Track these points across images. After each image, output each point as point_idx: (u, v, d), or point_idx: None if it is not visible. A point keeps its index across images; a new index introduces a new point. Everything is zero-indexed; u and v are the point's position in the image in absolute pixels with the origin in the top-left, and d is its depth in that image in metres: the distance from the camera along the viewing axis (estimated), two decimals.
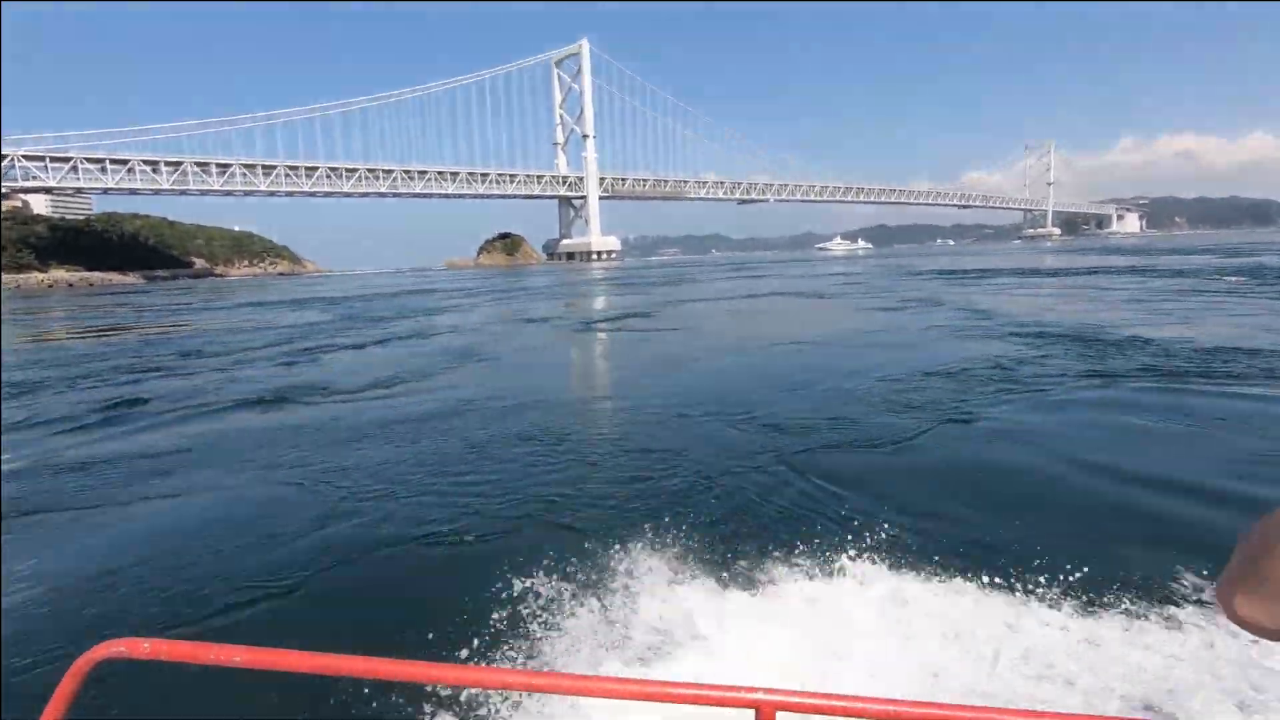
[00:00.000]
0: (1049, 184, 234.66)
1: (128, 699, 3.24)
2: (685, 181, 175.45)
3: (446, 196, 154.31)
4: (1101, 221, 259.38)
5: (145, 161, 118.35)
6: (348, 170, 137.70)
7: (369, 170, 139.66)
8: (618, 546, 4.69)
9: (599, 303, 30.30)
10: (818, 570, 4.33)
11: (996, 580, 3.96)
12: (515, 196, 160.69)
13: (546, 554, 4.54)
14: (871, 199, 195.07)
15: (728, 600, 4.08)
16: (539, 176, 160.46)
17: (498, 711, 2.84)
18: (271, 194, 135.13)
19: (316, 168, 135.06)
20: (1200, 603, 3.75)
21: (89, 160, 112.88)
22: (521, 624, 3.81)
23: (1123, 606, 3.72)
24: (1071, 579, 3.89)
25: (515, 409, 9.77)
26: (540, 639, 3.68)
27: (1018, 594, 3.87)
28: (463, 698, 2.80)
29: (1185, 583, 3.98)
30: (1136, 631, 3.53)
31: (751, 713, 1.11)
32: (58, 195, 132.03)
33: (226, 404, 10.89)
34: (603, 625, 3.81)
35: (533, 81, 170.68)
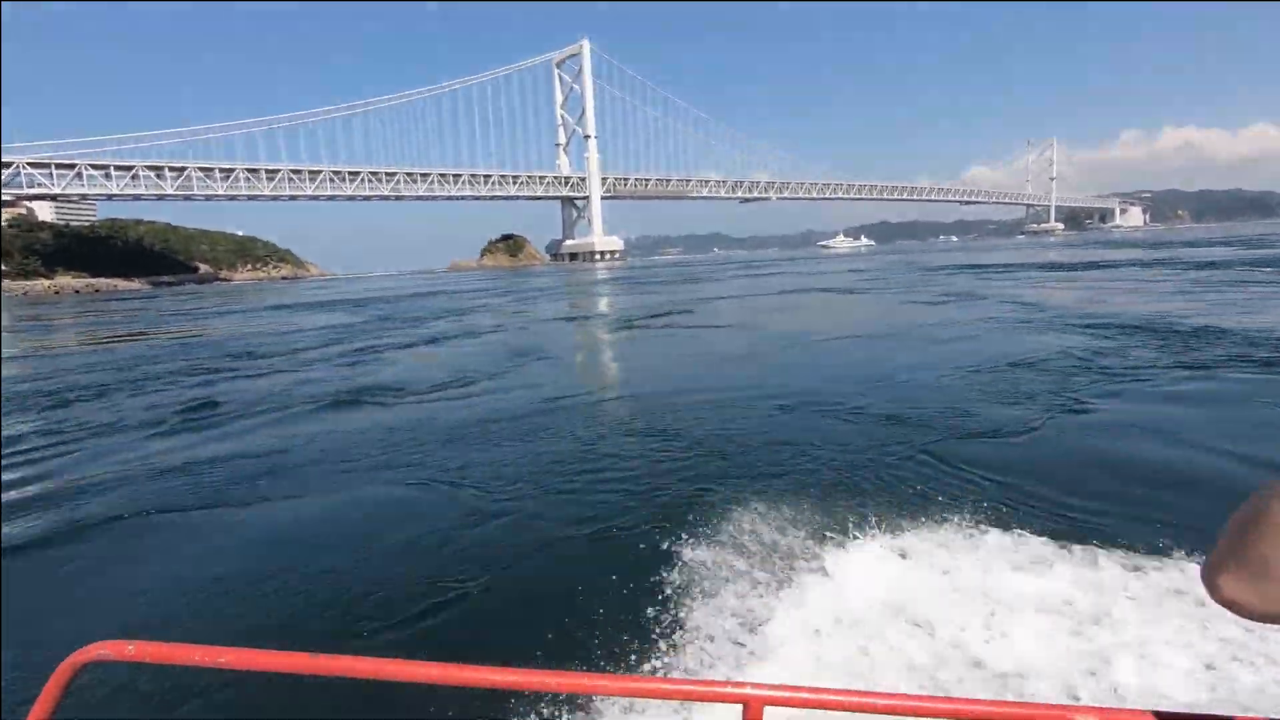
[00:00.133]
0: (1051, 179, 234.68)
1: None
2: (688, 180, 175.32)
3: (449, 199, 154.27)
4: (1104, 216, 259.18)
5: (149, 167, 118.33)
6: (350, 173, 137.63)
7: (371, 173, 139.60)
8: (787, 540, 4.67)
9: (627, 301, 30.18)
10: (1009, 564, 4.27)
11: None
12: (518, 198, 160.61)
13: (706, 552, 4.54)
14: (874, 196, 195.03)
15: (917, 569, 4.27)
16: (541, 178, 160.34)
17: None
18: (275, 198, 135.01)
19: (320, 171, 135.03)
20: None
21: (93, 166, 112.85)
22: (701, 617, 3.77)
23: None
24: None
25: (608, 404, 9.70)
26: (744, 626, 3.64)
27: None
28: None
29: None
30: None
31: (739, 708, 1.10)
32: (62, 202, 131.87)
33: (306, 405, 10.79)
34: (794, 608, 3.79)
35: (534, 82, 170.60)
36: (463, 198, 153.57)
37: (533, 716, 2.94)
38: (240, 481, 7.23)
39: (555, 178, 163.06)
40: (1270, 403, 7.82)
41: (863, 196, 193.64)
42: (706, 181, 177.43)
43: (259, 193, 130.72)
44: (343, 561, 5.07)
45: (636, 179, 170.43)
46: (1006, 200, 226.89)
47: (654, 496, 5.96)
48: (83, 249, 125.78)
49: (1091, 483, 5.75)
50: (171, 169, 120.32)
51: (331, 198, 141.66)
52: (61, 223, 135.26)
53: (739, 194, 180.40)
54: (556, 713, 2.95)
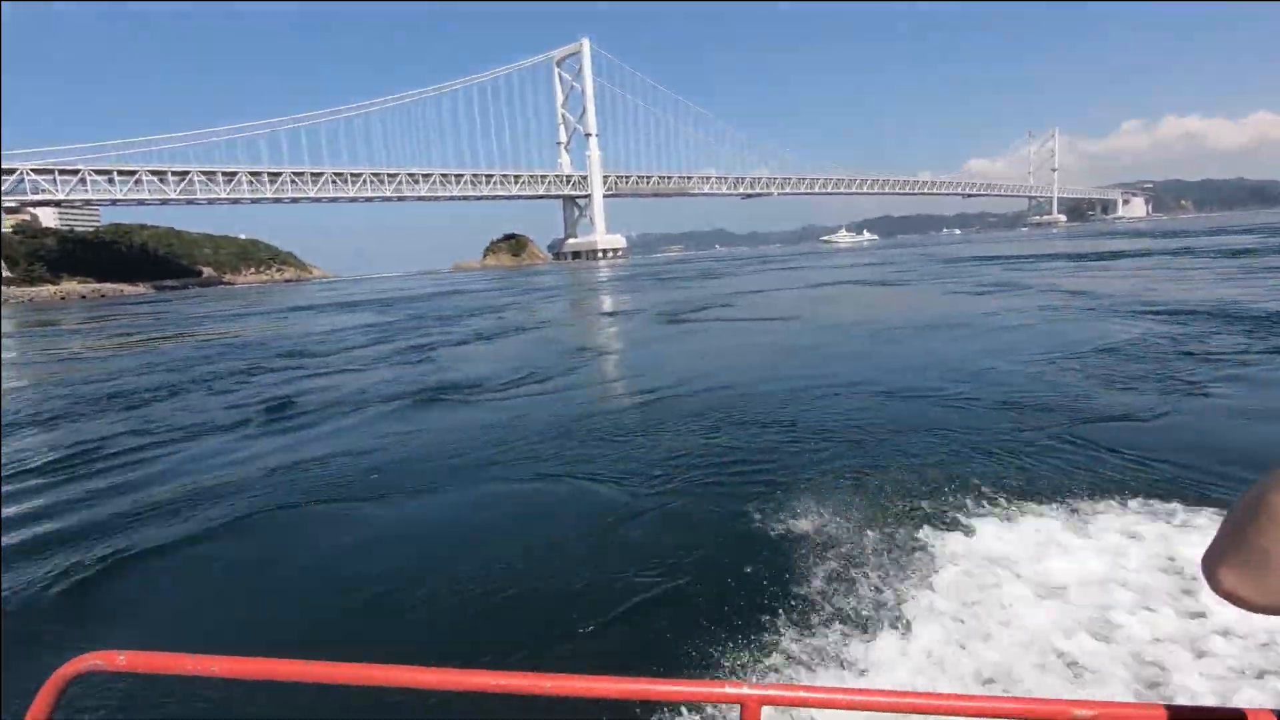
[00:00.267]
0: (1053, 170, 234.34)
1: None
2: (689, 177, 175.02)
3: (451, 199, 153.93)
4: (1107, 207, 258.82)
5: (152, 172, 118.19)
6: (352, 175, 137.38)
7: (374, 174, 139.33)
8: (956, 528, 4.65)
9: (655, 297, 30.01)
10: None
11: None
12: (520, 197, 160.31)
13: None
14: (875, 190, 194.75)
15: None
16: (542, 177, 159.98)
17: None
18: (277, 200, 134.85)
19: (322, 173, 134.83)
20: None
21: (96, 172, 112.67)
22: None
23: None
24: None
25: (703, 397, 9.58)
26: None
27: None
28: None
29: None
30: None
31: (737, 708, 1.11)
32: (66, 208, 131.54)
33: (388, 402, 10.70)
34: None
35: (534, 81, 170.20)
36: (465, 198, 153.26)
37: None
38: (358, 478, 7.14)
39: (557, 176, 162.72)
40: None
41: (864, 191, 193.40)
42: (708, 178, 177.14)
43: (261, 196, 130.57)
44: (501, 557, 4.97)
45: (638, 177, 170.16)
46: (1009, 193, 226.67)
47: (795, 486, 5.85)
48: (87, 254, 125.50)
49: (1248, 466, 5.66)
50: (174, 173, 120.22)
51: (334, 200, 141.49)
52: (66, 228, 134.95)
53: (740, 190, 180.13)
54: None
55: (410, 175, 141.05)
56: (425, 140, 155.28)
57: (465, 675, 1.14)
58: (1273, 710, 1.02)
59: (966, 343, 12.67)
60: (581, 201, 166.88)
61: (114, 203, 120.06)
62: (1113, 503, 4.98)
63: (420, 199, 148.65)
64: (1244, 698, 2.82)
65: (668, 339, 16.35)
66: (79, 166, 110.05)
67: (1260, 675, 2.99)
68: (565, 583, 4.49)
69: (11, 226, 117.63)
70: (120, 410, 11.20)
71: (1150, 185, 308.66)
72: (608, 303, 29.04)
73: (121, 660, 1.16)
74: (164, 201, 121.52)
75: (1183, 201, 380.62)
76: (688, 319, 20.02)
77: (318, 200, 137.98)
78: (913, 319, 16.07)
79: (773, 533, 4.91)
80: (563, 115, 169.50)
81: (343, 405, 10.68)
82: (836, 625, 3.61)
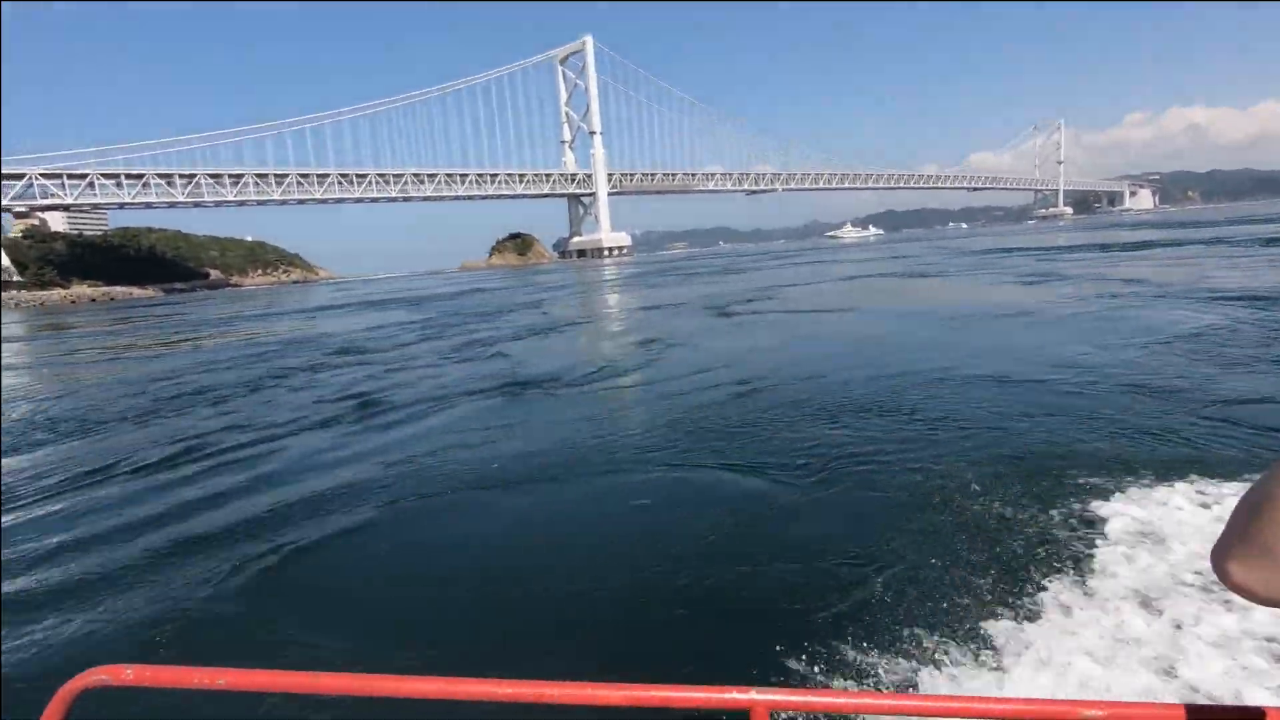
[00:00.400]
0: (1059, 163, 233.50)
1: None
2: (693, 174, 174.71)
3: (456, 199, 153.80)
4: (1114, 199, 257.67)
5: (160, 175, 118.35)
6: (358, 176, 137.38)
7: (379, 175, 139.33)
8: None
9: (688, 292, 29.86)
10: None
11: None
12: (524, 196, 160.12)
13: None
14: (880, 185, 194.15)
15: None
16: (547, 175, 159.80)
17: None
18: (284, 202, 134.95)
19: (328, 175, 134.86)
20: None
21: (105, 176, 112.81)
22: None
23: None
24: None
25: (803, 386, 9.47)
26: None
27: None
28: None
29: None
30: None
31: (745, 713, 1.11)
32: (75, 212, 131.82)
33: (471, 395, 10.62)
34: None
35: (538, 80, 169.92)
36: (470, 197, 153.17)
37: None
38: (479, 469, 7.06)
39: (561, 175, 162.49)
40: None
41: (869, 186, 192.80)
42: (712, 175, 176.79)
43: (268, 197, 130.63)
44: (656, 550, 4.85)
45: (642, 174, 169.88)
46: (1015, 186, 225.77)
47: (950, 475, 5.73)
48: (96, 258, 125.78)
49: None
50: (182, 176, 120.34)
51: (340, 201, 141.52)
52: (75, 232, 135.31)
53: (745, 187, 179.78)
54: None
55: (415, 175, 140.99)
56: (430, 140, 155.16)
57: (470, 685, 1.13)
58: None
59: (1044, 331, 12.55)
60: (586, 200, 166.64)
61: (122, 206, 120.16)
62: None
63: (425, 199, 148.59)
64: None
65: (729, 330, 16.21)
66: (87, 171, 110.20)
67: None
68: (730, 575, 4.36)
69: (21, 231, 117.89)
70: (206, 406, 11.13)
71: (1157, 177, 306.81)
72: (642, 298, 28.87)
73: (128, 674, 1.16)
74: (171, 204, 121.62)
75: (1190, 193, 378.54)
76: (736, 312, 19.89)
77: (324, 201, 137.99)
78: (974, 309, 15.92)
79: (932, 522, 4.79)
80: (566, 114, 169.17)
81: (430, 400, 10.58)
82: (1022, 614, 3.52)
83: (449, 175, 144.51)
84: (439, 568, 5.02)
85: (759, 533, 5.01)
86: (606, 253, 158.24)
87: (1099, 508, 4.70)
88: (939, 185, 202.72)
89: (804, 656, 3.23)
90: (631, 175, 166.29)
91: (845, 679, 2.99)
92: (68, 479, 7.46)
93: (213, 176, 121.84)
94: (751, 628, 3.73)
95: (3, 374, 17.23)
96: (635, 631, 3.85)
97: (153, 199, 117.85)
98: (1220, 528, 0.72)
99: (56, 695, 1.14)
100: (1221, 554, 0.80)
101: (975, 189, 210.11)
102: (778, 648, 3.34)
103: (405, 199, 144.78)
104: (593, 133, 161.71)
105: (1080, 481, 5.18)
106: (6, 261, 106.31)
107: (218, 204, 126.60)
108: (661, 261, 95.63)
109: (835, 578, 4.14)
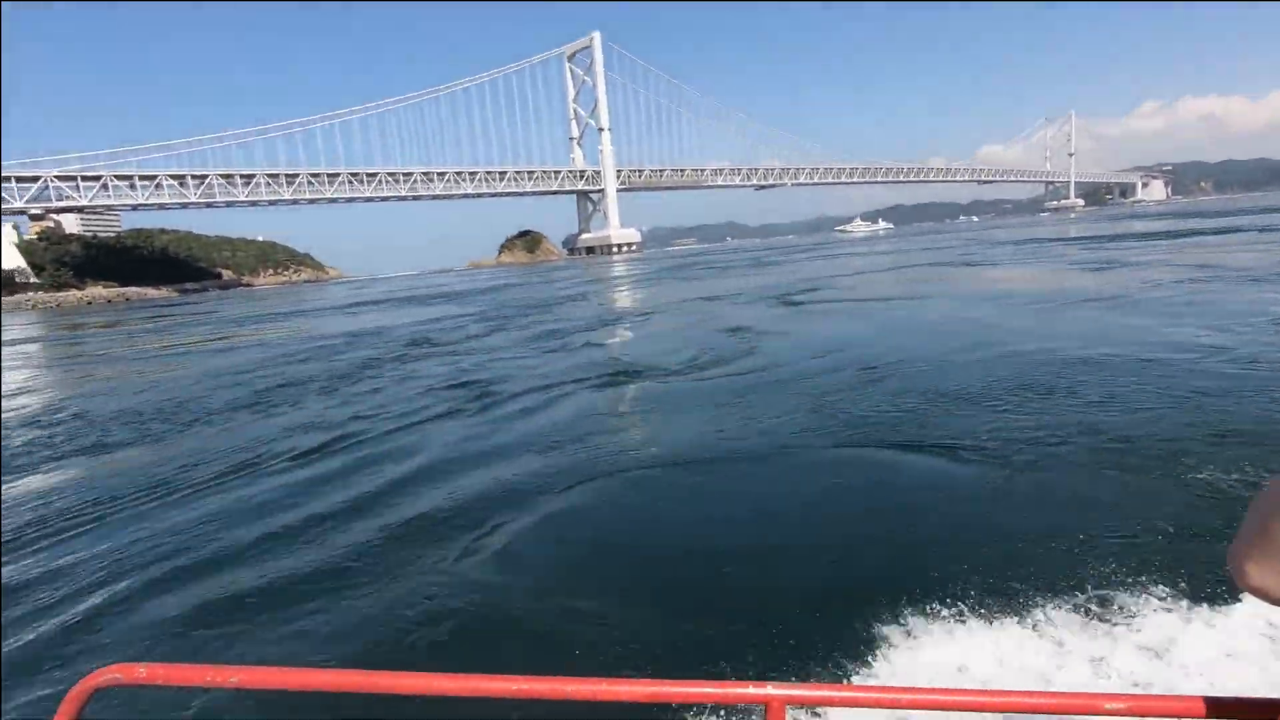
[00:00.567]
0: (1070, 154, 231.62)
1: None
2: (702, 170, 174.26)
3: (465, 197, 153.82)
4: (1125, 190, 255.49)
5: (172, 176, 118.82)
6: (368, 175, 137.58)
7: (388, 174, 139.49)
8: None
9: (728, 285, 29.61)
10: None
11: None
12: (533, 193, 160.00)
13: None
14: (890, 179, 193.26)
15: None
16: (555, 172, 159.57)
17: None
18: (295, 202, 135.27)
19: (338, 174, 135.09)
20: None
21: (118, 177, 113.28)
22: None
23: None
24: None
25: (930, 372, 9.29)
26: None
27: None
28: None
29: None
30: None
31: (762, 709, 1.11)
32: (88, 214, 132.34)
33: (582, 384, 10.51)
34: None
35: (546, 77, 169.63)
36: (479, 195, 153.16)
37: None
38: (641, 451, 6.94)
39: (570, 172, 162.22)
40: None
41: (879, 179, 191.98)
42: (721, 170, 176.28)
43: (279, 197, 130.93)
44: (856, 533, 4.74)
45: (651, 170, 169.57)
46: (1025, 179, 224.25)
47: (1155, 454, 5.59)
48: (110, 259, 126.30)
49: None
50: (194, 176, 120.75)
51: (350, 200, 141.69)
52: (89, 234, 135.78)
53: (754, 182, 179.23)
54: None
55: (424, 174, 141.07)
56: (439, 139, 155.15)
57: (489, 681, 1.12)
58: None
59: (1148, 314, 12.32)
60: (595, 196, 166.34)
61: (135, 208, 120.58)
62: None
63: (435, 197, 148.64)
64: None
65: (810, 319, 16.02)
66: (101, 173, 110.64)
67: None
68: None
69: (37, 233, 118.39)
70: (316, 397, 11.04)
71: (1169, 168, 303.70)
72: (686, 290, 28.65)
73: (141, 672, 1.17)
74: (184, 205, 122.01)
75: (1203, 183, 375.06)
76: (802, 302, 19.69)
77: (334, 201, 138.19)
78: (1054, 295, 15.73)
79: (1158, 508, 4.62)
80: (574, 110, 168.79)
81: (543, 388, 10.46)
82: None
83: (458, 173, 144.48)
84: (647, 547, 4.90)
85: (964, 515, 4.85)
86: (616, 249, 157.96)
87: None
88: (949, 179, 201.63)
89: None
90: (640, 171, 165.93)
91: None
92: (229, 470, 7.36)
93: (224, 177, 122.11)
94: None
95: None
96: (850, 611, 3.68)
97: (165, 200, 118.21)
98: None
99: (70, 693, 1.14)
100: (1238, 556, 0.79)
101: (985, 182, 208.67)
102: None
103: (415, 197, 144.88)
104: (601, 129, 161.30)
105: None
106: (22, 263, 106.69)
107: (229, 204, 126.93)
108: (675, 257, 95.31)
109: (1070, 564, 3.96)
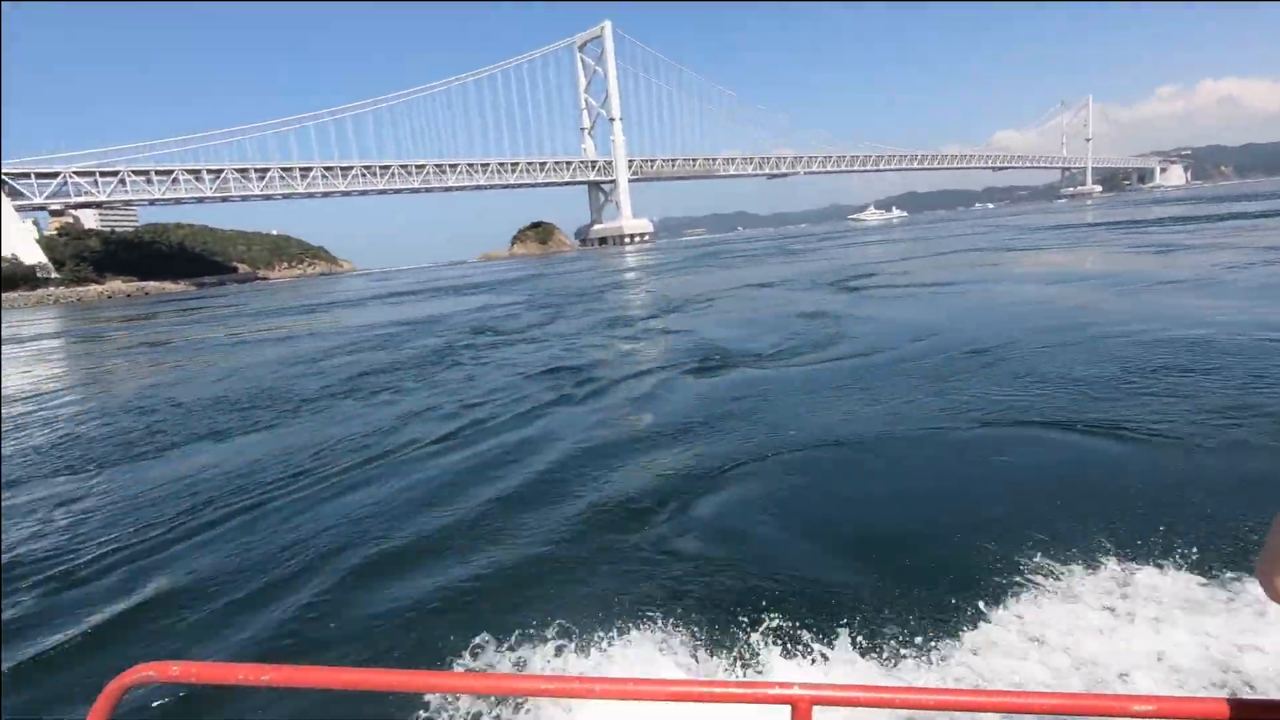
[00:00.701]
0: (1087, 140, 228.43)
1: None
2: (714, 159, 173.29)
3: (478, 188, 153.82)
4: (1144, 175, 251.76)
5: (188, 171, 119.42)
6: (381, 168, 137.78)
7: (401, 166, 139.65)
8: None
9: (772, 272, 29.39)
10: None
11: None
12: (545, 184, 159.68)
13: None
14: (903, 166, 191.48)
15: None
16: (567, 163, 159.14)
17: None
18: (309, 195, 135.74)
19: (351, 167, 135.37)
20: None
21: (135, 172, 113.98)
22: None
23: None
24: None
25: (1040, 349, 9.13)
26: None
27: None
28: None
29: None
30: None
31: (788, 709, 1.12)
32: (106, 209, 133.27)
33: (677, 369, 10.41)
34: None
35: (557, 67, 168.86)
36: (491, 187, 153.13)
37: None
38: (778, 436, 6.82)
39: (582, 162, 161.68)
40: None
41: (892, 167, 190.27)
42: (733, 159, 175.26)
43: (294, 191, 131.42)
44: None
45: (663, 160, 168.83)
46: (1042, 164, 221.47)
47: None
48: (129, 254, 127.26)
49: None
50: (209, 171, 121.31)
51: (363, 193, 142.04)
52: (107, 229, 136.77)
53: (766, 170, 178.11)
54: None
55: (437, 166, 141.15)
56: (451, 130, 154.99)
57: (518, 681, 1.16)
58: None
59: (1238, 297, 12.04)
60: (607, 187, 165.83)
61: (152, 203, 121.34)
62: None
63: (447, 189, 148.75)
64: None
65: (881, 304, 15.77)
66: (119, 168, 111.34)
67: None
68: None
69: (56, 229, 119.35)
70: (414, 384, 11.00)
71: (1188, 152, 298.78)
72: (728, 278, 28.39)
73: (174, 670, 1.19)
74: (200, 199, 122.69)
75: (1223, 168, 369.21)
76: (860, 287, 19.46)
77: (348, 193, 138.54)
78: (1124, 277, 15.49)
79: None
80: (585, 100, 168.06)
81: (641, 374, 10.38)
82: None
83: (470, 165, 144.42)
84: (835, 525, 4.79)
85: (1148, 492, 4.71)
86: (629, 239, 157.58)
87: None
88: (964, 165, 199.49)
89: None
90: (652, 161, 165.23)
91: None
92: (370, 459, 7.30)
93: (239, 171, 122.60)
94: None
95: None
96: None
97: (181, 194, 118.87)
98: None
99: (104, 691, 1.15)
100: (1269, 570, 0.79)
101: (1001, 168, 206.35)
102: None
103: (427, 189, 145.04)
104: (612, 119, 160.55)
105: None
106: (43, 258, 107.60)
107: (244, 198, 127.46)
108: (692, 247, 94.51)
109: None
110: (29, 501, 6.75)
